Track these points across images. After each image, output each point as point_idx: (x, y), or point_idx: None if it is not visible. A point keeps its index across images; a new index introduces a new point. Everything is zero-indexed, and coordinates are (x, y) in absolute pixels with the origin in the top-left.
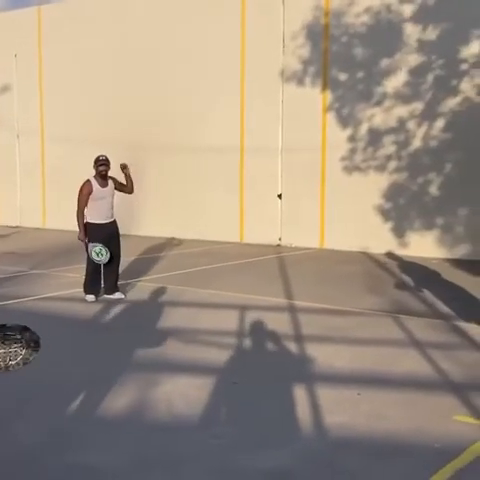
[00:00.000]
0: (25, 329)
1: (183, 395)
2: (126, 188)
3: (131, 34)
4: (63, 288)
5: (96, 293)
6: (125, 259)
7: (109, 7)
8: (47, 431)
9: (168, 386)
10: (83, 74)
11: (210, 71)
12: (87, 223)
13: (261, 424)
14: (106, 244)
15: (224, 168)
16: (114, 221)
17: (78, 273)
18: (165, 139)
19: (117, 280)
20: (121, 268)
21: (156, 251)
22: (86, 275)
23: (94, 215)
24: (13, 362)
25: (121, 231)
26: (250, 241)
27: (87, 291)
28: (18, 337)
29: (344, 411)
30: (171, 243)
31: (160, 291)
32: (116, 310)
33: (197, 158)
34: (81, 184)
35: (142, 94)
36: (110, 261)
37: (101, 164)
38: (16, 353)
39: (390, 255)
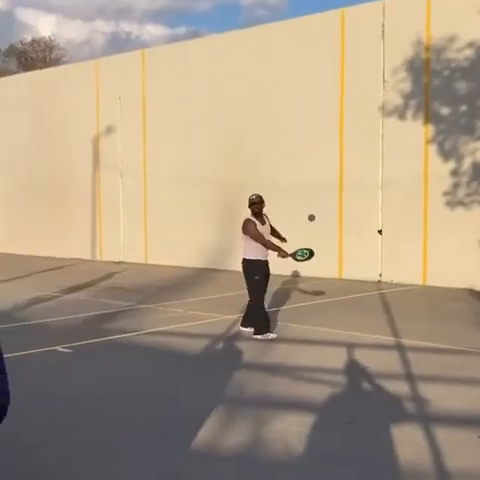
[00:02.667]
0: None
1: (298, 434)
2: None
3: (232, 76)
4: (170, 323)
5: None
6: (228, 294)
7: (211, 50)
8: (157, 470)
9: (280, 424)
10: (184, 115)
11: (309, 107)
12: (247, 260)
13: (382, 467)
14: (262, 281)
15: (323, 204)
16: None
17: (182, 308)
18: (264, 177)
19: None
20: (226, 302)
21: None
22: (259, 314)
23: (254, 252)
24: None
25: (220, 266)
26: (349, 277)
27: (266, 330)
28: None
29: (464, 454)
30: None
31: None
32: (221, 345)
33: (296, 195)
34: (243, 223)
35: (242, 133)
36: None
37: (253, 203)
38: None
39: None
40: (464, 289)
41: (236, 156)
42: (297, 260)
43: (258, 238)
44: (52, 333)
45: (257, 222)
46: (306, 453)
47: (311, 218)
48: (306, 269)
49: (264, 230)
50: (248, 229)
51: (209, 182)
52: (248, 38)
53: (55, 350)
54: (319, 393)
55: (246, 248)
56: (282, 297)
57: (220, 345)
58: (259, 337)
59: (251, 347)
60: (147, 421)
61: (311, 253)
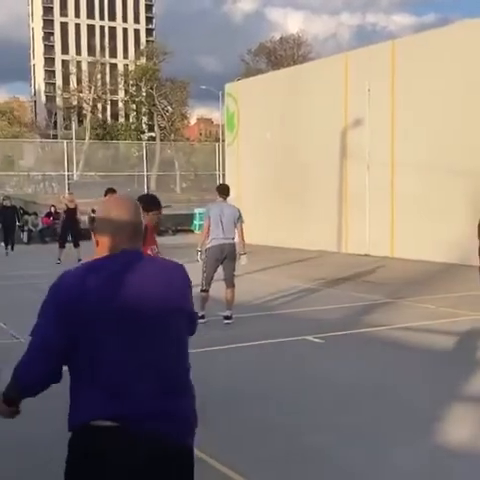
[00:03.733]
0: None
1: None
2: None
3: None
4: (420, 319)
5: None
6: None
7: (463, 37)
8: (425, 462)
9: None
10: (435, 106)
11: None
12: None
13: None
14: None
15: None
16: None
17: (431, 304)
18: None
19: None
20: None
21: None
22: None
23: None
24: None
25: (474, 262)
26: None
27: None
28: None
29: None
30: None
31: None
32: (474, 345)
33: None
34: None
35: None
36: None
37: None
38: None
39: None
40: None
41: None
42: None
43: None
44: (304, 323)
45: None
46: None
47: None
48: None
49: None
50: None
51: (461, 172)
52: None
53: (305, 339)
54: None
55: None
56: None
57: (473, 345)
58: None
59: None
60: (395, 407)
61: None
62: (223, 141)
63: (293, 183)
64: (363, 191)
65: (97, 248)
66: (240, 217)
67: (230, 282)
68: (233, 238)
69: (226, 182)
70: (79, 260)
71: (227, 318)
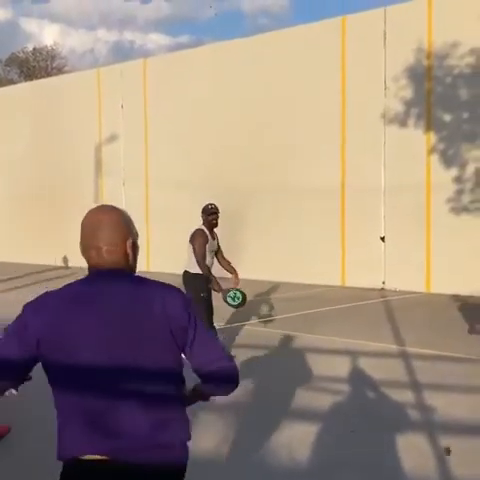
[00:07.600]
0: None
1: (303, 442)
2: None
3: (233, 84)
4: None
5: None
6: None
7: (213, 59)
8: None
9: (286, 432)
10: (186, 123)
11: (311, 114)
12: (189, 273)
13: (386, 474)
14: (209, 297)
15: (325, 210)
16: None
17: None
18: (265, 182)
19: None
20: (223, 313)
21: (256, 295)
22: None
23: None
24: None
25: (222, 274)
26: (352, 285)
27: None
28: None
29: (469, 462)
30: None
31: (265, 336)
32: None
33: (298, 200)
34: (193, 233)
35: (243, 140)
36: None
37: (212, 213)
38: None
39: None
40: (468, 296)
41: (238, 162)
42: (226, 302)
43: (199, 254)
44: None
45: (209, 235)
46: (310, 460)
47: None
48: (308, 276)
49: (213, 247)
50: (196, 240)
51: (210, 187)
52: (250, 46)
53: None
54: (324, 402)
55: (192, 259)
56: (281, 306)
57: None
58: None
59: (255, 356)
60: None
61: (244, 299)
62: None
63: (51, 198)
64: (119, 206)
65: None
66: None
67: None
68: None
69: None
70: None
71: None
